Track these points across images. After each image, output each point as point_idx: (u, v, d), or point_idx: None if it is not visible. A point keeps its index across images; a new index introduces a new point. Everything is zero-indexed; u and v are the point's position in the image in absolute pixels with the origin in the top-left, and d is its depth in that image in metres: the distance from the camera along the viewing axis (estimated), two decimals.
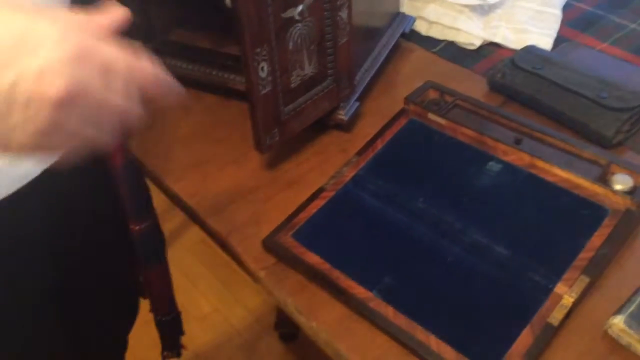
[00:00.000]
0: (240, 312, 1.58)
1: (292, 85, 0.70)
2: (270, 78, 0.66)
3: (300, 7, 0.64)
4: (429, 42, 0.93)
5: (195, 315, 1.56)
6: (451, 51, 0.91)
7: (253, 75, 0.64)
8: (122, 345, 0.83)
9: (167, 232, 1.75)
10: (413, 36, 0.94)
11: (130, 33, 0.91)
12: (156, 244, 0.76)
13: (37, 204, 0.57)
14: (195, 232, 1.77)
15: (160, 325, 0.83)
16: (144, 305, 0.84)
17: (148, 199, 0.75)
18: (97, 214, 0.68)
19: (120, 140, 0.64)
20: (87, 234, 0.66)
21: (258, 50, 0.63)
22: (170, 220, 1.76)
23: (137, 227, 0.71)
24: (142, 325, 0.85)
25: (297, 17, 0.65)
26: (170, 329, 0.84)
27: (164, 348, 0.86)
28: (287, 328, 1.47)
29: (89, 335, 0.69)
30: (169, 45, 0.85)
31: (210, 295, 1.62)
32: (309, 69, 0.70)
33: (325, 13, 0.67)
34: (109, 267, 0.72)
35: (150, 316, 0.83)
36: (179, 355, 0.88)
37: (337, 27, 0.69)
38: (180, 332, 0.86)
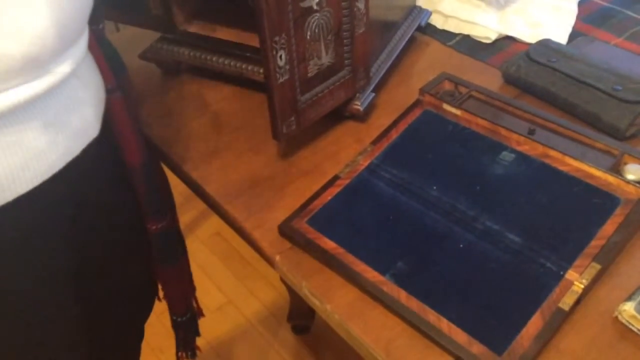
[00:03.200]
0: (253, 304, 1.59)
1: (309, 75, 0.71)
2: (288, 67, 0.67)
3: None
4: (444, 36, 0.94)
5: (209, 306, 1.58)
6: (467, 45, 0.91)
7: (271, 63, 0.65)
8: (139, 335, 0.84)
9: (182, 224, 1.77)
10: (429, 30, 0.95)
11: (151, 24, 0.93)
12: (172, 245, 0.75)
13: (58, 196, 0.57)
14: (209, 225, 1.80)
15: (175, 325, 0.83)
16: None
17: (167, 200, 0.75)
18: (115, 209, 0.68)
19: (138, 136, 0.66)
20: (105, 228, 0.66)
21: (276, 38, 0.64)
22: (185, 213, 1.78)
23: (153, 227, 0.70)
24: (157, 314, 0.86)
25: (315, 7, 0.66)
26: (185, 329, 0.84)
27: (178, 348, 0.86)
28: (300, 320, 1.49)
29: (106, 322, 0.70)
30: (189, 37, 0.86)
31: (224, 287, 1.64)
32: (326, 59, 0.72)
33: (343, 3, 0.69)
34: (127, 261, 0.72)
35: (166, 306, 0.84)
36: (193, 356, 0.88)
37: (354, 17, 0.70)
38: (196, 333, 0.85)
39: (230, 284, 1.65)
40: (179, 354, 0.86)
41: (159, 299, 0.82)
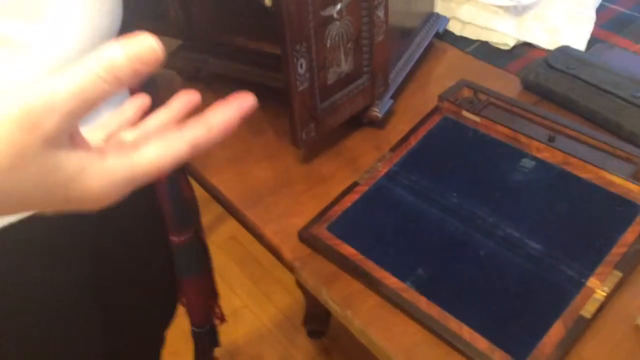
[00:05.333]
0: (268, 308, 1.60)
1: (329, 82, 0.71)
2: (308, 74, 0.68)
3: (339, 6, 0.66)
4: (462, 42, 0.94)
5: (225, 310, 1.58)
6: (484, 51, 0.92)
7: (292, 71, 0.66)
8: (159, 342, 0.84)
9: None
10: (447, 36, 0.95)
11: (172, 32, 0.93)
12: (194, 257, 0.75)
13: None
14: (225, 229, 1.80)
15: (194, 335, 0.83)
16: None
17: (192, 213, 0.74)
18: (139, 219, 0.68)
19: None
20: (128, 236, 0.67)
21: (297, 47, 0.65)
22: (201, 216, 1.80)
23: (176, 239, 0.71)
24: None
25: (335, 16, 0.67)
26: (203, 341, 0.84)
27: (196, 358, 0.86)
28: (315, 325, 1.49)
29: (127, 331, 0.71)
30: (209, 44, 0.87)
31: (240, 291, 1.65)
32: (345, 66, 0.72)
33: (363, 12, 0.69)
34: (149, 271, 0.73)
35: (184, 309, 0.85)
36: None
37: (374, 25, 0.71)
38: (215, 344, 0.86)
39: (246, 288, 1.66)
40: None
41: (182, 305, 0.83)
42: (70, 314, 0.63)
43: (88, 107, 0.29)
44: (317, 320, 1.48)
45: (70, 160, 0.29)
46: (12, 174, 0.28)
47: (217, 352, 1.51)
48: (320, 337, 1.51)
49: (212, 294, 0.83)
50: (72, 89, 0.28)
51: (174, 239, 0.70)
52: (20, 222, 0.53)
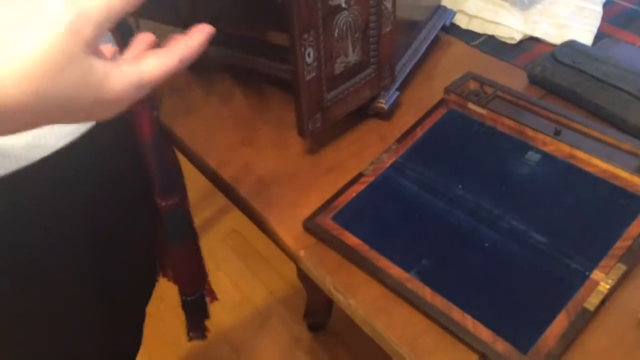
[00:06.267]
0: (270, 301, 1.60)
1: (336, 72, 0.71)
2: (315, 64, 0.68)
3: None
4: (469, 36, 0.94)
5: (226, 303, 1.59)
6: (491, 45, 0.92)
7: (299, 60, 0.66)
8: (141, 315, 0.85)
9: (201, 221, 1.79)
10: (453, 29, 0.95)
11: (177, 21, 0.93)
12: (181, 221, 0.77)
13: (81, 164, 0.60)
14: (227, 222, 1.81)
15: (184, 305, 0.85)
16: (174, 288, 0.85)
17: (177, 177, 0.77)
18: (131, 182, 0.70)
19: (150, 114, 0.67)
20: (120, 200, 0.68)
21: (305, 36, 0.65)
22: (203, 209, 1.80)
23: (163, 203, 0.72)
24: (173, 307, 0.87)
25: (343, 5, 0.67)
26: (194, 309, 0.85)
27: (188, 329, 0.88)
28: (316, 318, 1.49)
29: (119, 294, 0.72)
30: (215, 34, 0.87)
31: (241, 284, 1.65)
32: (352, 57, 0.72)
33: (371, 2, 0.69)
34: (135, 236, 0.74)
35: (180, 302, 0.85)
36: (203, 337, 0.89)
37: (381, 15, 0.71)
38: (205, 315, 0.87)
39: (247, 281, 1.66)
40: (190, 334, 0.88)
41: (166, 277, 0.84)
42: (70, 278, 0.64)
43: (114, 18, 0.35)
44: (318, 313, 1.48)
45: (100, 65, 0.34)
46: (59, 77, 0.32)
47: (219, 344, 1.51)
48: (321, 330, 1.52)
49: (200, 264, 0.85)
50: (102, 2, 0.34)
51: (161, 202, 0.72)
52: (22, 185, 0.55)
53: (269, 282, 1.65)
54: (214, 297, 0.89)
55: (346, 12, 0.68)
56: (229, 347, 1.52)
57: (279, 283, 1.64)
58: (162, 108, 0.86)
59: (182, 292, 0.84)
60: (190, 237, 0.80)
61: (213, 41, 0.87)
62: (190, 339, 0.89)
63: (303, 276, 1.29)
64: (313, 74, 0.68)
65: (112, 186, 0.66)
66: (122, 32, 0.65)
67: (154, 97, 0.69)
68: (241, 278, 1.67)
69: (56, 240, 0.61)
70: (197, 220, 1.75)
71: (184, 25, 0.88)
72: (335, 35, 0.68)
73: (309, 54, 0.66)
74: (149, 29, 1.02)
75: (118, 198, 0.68)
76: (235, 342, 1.53)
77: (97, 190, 0.64)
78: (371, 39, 0.72)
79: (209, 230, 1.78)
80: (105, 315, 0.71)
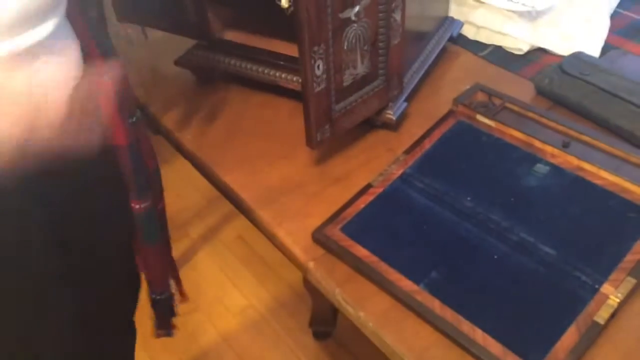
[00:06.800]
0: (274, 308, 1.60)
1: (345, 84, 0.72)
2: (324, 76, 0.68)
3: (357, 8, 0.67)
4: (476, 46, 0.94)
5: (231, 309, 1.59)
6: (498, 55, 0.92)
7: (309, 72, 0.66)
8: (131, 330, 0.86)
9: (205, 228, 1.79)
10: (460, 40, 0.95)
11: (186, 31, 0.94)
12: (155, 223, 0.77)
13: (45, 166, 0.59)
14: (232, 228, 1.81)
15: (153, 302, 0.86)
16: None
17: (152, 180, 0.76)
18: (102, 183, 0.70)
19: (124, 119, 0.67)
20: (90, 201, 0.68)
21: (315, 48, 0.65)
22: (208, 216, 1.80)
23: (137, 206, 0.73)
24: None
25: (353, 18, 0.67)
26: (162, 308, 0.86)
27: (156, 326, 0.89)
28: (321, 326, 1.49)
29: (95, 314, 0.73)
30: (224, 44, 0.88)
31: (246, 291, 1.65)
32: (361, 69, 0.72)
33: (380, 15, 0.70)
34: (110, 239, 0.75)
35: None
36: (169, 334, 0.90)
37: (390, 28, 0.71)
38: (172, 314, 0.89)
39: (252, 287, 1.66)
40: (157, 331, 0.89)
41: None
42: (41, 278, 0.65)
43: None
44: (323, 321, 1.48)
45: None
46: None
47: (224, 350, 1.51)
48: (327, 339, 1.51)
49: (171, 264, 0.86)
50: None
51: (135, 206, 0.73)
52: None
53: (273, 289, 1.65)
54: (185, 298, 0.90)
55: (356, 25, 0.68)
56: (233, 353, 1.51)
57: (284, 290, 1.63)
58: (171, 118, 0.86)
59: (152, 291, 0.85)
60: (163, 239, 0.81)
61: (222, 52, 0.88)
62: (157, 336, 0.90)
63: (309, 284, 1.29)
64: (322, 86, 0.69)
65: (81, 186, 0.66)
66: (102, 48, 0.65)
67: (130, 103, 0.70)
68: (246, 284, 1.67)
69: (22, 240, 0.62)
70: (202, 226, 1.75)
71: (193, 34, 0.89)
72: (345, 47, 0.69)
73: (318, 66, 0.67)
74: (157, 39, 1.03)
75: (90, 201, 0.68)
76: (239, 349, 1.53)
77: (68, 193, 0.64)
78: (380, 51, 0.73)
79: (214, 236, 1.78)
80: (78, 319, 0.71)
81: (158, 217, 0.78)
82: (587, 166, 0.67)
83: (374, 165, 0.76)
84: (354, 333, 0.63)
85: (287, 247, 0.69)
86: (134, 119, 0.70)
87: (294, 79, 0.82)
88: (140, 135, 0.71)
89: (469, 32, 0.96)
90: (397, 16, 0.71)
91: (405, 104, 0.80)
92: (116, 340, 0.85)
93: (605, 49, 0.91)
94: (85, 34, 0.63)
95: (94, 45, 0.64)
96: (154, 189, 0.76)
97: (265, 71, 0.84)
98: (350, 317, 0.63)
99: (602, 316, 0.55)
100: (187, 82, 0.92)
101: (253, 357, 1.52)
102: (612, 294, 0.57)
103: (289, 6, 0.74)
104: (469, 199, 0.67)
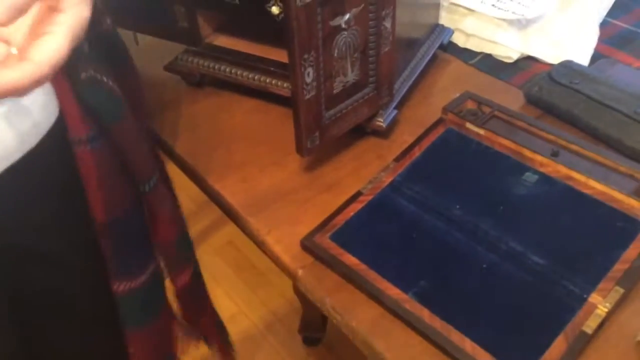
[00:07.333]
0: (264, 314, 1.60)
1: (335, 91, 0.72)
2: (315, 83, 0.68)
3: (347, 16, 0.67)
4: (466, 54, 0.94)
5: (221, 315, 1.58)
6: (488, 64, 0.92)
7: (299, 80, 0.66)
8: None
9: (195, 233, 1.79)
10: (450, 48, 0.96)
11: (176, 37, 0.94)
12: (146, 304, 0.64)
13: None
14: (222, 235, 1.80)
15: None
16: None
17: (143, 256, 0.63)
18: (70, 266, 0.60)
19: (107, 197, 0.56)
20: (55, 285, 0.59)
21: (306, 56, 0.65)
22: (198, 221, 1.79)
23: (119, 288, 0.60)
24: None
25: (343, 25, 0.67)
26: None
27: None
28: (311, 332, 1.49)
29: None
30: (214, 50, 0.88)
31: (236, 297, 1.64)
32: (351, 76, 0.72)
33: (371, 22, 0.70)
34: (88, 332, 0.65)
35: None
36: None
37: (380, 36, 0.71)
38: None
39: (242, 293, 1.65)
40: None
41: None
42: None
43: None
44: (313, 327, 1.48)
45: None
46: None
47: (211, 356, 1.50)
48: (317, 344, 1.51)
49: (170, 344, 0.72)
50: None
51: (118, 287, 0.60)
52: None
53: (263, 295, 1.64)
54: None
55: (346, 33, 0.68)
56: None
57: (274, 296, 1.63)
58: (162, 124, 0.86)
59: None
60: (159, 314, 0.67)
61: (212, 57, 0.87)
62: None
63: (299, 290, 1.29)
64: (312, 93, 0.69)
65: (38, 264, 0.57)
66: (102, 116, 0.54)
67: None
68: (236, 291, 1.66)
69: None
70: (192, 231, 1.73)
71: (183, 40, 0.89)
72: (335, 55, 0.69)
73: (308, 74, 0.67)
74: (147, 44, 1.02)
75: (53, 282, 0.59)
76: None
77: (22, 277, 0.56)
78: (370, 59, 0.73)
79: (203, 242, 1.78)
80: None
81: (151, 293, 0.64)
82: (576, 175, 0.68)
83: (364, 172, 0.75)
84: (343, 339, 0.63)
85: (276, 255, 0.69)
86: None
87: (284, 85, 0.82)
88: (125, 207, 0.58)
89: (459, 39, 0.96)
90: (388, 24, 0.71)
91: (395, 112, 0.80)
92: None
93: (595, 58, 0.91)
94: (64, 91, 0.53)
95: (76, 107, 0.53)
96: (146, 263, 0.63)
97: (256, 77, 0.84)
98: (340, 326, 0.63)
99: (590, 326, 0.55)
100: (177, 87, 0.92)
101: None
102: (600, 303, 0.57)
103: (280, 12, 0.75)
104: (458, 207, 0.67)
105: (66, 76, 0.51)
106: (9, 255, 0.55)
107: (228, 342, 0.82)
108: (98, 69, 0.52)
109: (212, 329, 0.81)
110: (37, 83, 0.35)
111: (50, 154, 0.55)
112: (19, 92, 0.34)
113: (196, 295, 0.74)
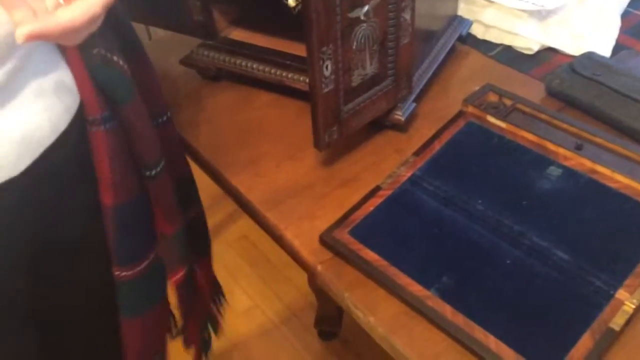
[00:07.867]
0: (279, 308, 1.59)
1: (353, 84, 0.71)
2: (333, 76, 0.67)
3: (366, 8, 0.65)
4: (485, 46, 0.93)
5: (235, 309, 1.58)
6: (508, 55, 0.91)
7: (317, 73, 0.65)
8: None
9: (210, 226, 1.78)
10: (469, 39, 0.94)
11: (191, 30, 0.93)
12: (141, 293, 0.64)
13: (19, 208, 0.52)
14: (236, 228, 1.80)
15: None
16: None
17: (144, 245, 0.63)
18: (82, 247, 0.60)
19: (116, 178, 0.56)
20: (68, 268, 0.59)
21: (324, 49, 0.64)
22: (212, 215, 1.79)
23: (118, 273, 0.60)
24: None
25: (362, 17, 0.66)
26: None
27: None
28: (327, 326, 1.48)
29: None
30: (230, 44, 0.87)
31: (251, 291, 1.64)
32: (370, 69, 0.71)
33: (390, 14, 0.68)
34: (92, 315, 0.64)
35: None
36: None
37: (400, 27, 0.70)
38: None
39: (257, 287, 1.65)
40: None
41: None
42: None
43: None
44: (329, 321, 1.47)
45: None
46: None
47: (228, 350, 1.50)
48: (332, 339, 1.51)
49: (161, 335, 0.71)
50: None
51: (117, 272, 0.60)
52: None
53: (278, 289, 1.64)
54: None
55: (365, 25, 0.67)
56: (239, 353, 1.51)
57: (289, 290, 1.63)
58: (178, 118, 0.85)
59: None
60: (155, 304, 0.67)
61: (228, 51, 0.86)
62: None
63: (314, 284, 1.29)
64: (330, 87, 0.68)
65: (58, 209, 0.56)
66: (112, 97, 0.55)
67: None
68: (250, 284, 1.66)
69: None
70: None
71: (198, 33, 0.88)
72: (354, 47, 0.68)
73: (327, 67, 0.66)
74: (160, 38, 1.02)
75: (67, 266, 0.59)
76: (244, 349, 1.52)
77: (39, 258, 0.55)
78: (389, 51, 0.72)
79: (218, 236, 1.78)
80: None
81: (147, 283, 0.64)
82: (600, 169, 0.66)
83: (383, 166, 0.74)
84: (360, 333, 0.62)
85: (294, 250, 0.68)
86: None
87: (301, 78, 0.81)
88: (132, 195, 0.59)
89: (477, 31, 0.95)
90: (407, 15, 0.70)
91: (414, 105, 0.79)
92: None
93: (616, 49, 0.90)
94: (80, 70, 0.55)
95: (91, 85, 0.54)
96: (145, 251, 0.63)
97: (272, 71, 0.83)
98: (360, 322, 0.62)
99: (617, 322, 0.54)
100: (193, 81, 0.91)
101: (258, 357, 1.51)
102: (627, 299, 0.56)
103: (296, 5, 0.73)
104: (480, 202, 0.66)
105: (80, 53, 0.52)
106: (40, 245, 0.55)
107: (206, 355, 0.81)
108: (110, 48, 0.54)
109: (195, 336, 0.82)
110: (90, 21, 0.39)
111: (78, 138, 0.55)
112: (76, 29, 0.38)
113: (185, 301, 0.74)
